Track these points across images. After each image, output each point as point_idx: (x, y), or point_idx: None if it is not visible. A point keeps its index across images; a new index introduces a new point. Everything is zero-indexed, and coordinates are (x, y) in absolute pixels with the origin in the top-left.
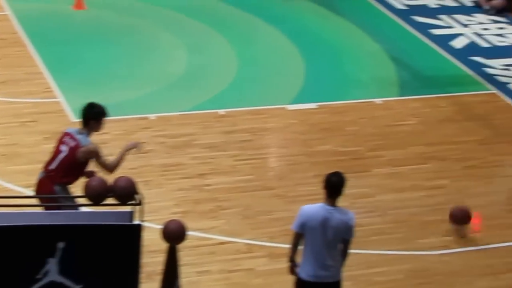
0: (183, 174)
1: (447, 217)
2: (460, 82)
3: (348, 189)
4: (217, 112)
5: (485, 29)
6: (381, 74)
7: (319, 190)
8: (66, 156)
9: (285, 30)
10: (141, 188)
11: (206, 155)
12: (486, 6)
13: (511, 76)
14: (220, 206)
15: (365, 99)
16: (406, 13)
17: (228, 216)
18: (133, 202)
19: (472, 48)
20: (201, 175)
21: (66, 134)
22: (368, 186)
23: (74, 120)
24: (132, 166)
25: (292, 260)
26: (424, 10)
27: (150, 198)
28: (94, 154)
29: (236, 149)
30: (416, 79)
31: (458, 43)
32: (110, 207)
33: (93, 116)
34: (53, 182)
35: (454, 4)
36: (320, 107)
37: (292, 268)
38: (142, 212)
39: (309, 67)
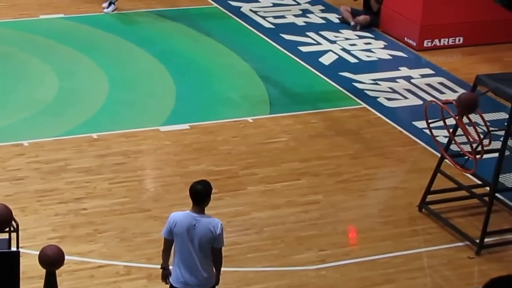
0: (59, 199)
1: (322, 231)
2: (330, 98)
3: (224, 208)
4: (90, 136)
5: (353, 44)
6: (251, 92)
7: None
8: None
9: (154, 52)
10: (17, 214)
11: (82, 179)
12: (352, 22)
13: (380, 91)
14: (97, 229)
15: (237, 118)
16: (275, 32)
17: (106, 239)
18: (9, 229)
19: (341, 64)
20: (77, 199)
21: None
22: (243, 204)
23: None
24: (7, 193)
25: (163, 267)
26: (292, 28)
27: (26, 224)
28: None
29: (111, 172)
30: (286, 97)
31: (326, 60)
32: None
33: None
34: None
35: (321, 21)
36: (192, 127)
37: (164, 275)
38: (18, 239)
39: (179, 88)
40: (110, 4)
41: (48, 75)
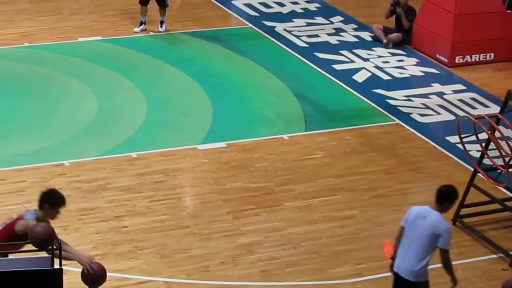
0: (100, 217)
1: (358, 246)
2: (364, 115)
3: (261, 224)
4: (130, 155)
5: (385, 62)
6: (286, 110)
7: (233, 226)
8: (8, 224)
9: (190, 73)
10: (60, 233)
11: (122, 198)
12: (384, 40)
13: (413, 107)
14: (138, 246)
15: (272, 135)
16: (309, 51)
17: (146, 256)
18: (52, 247)
19: (374, 81)
20: (118, 217)
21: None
22: (280, 220)
23: None
24: None
25: (392, 257)
26: (325, 47)
27: (68, 242)
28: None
29: (151, 190)
30: (321, 114)
31: (360, 77)
32: (30, 253)
33: (48, 201)
34: None
35: (354, 39)
36: (229, 145)
37: (391, 265)
38: (60, 257)
39: (216, 107)
40: (162, 24)
41: (88, 97)
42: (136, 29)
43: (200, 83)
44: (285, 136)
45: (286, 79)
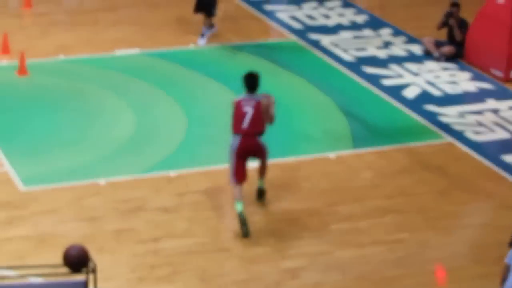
0: (137, 238)
1: (409, 271)
2: (415, 132)
3: (306, 247)
4: (168, 173)
5: (437, 76)
6: (333, 127)
7: (276, 249)
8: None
9: (232, 87)
10: (94, 255)
11: (160, 218)
12: (436, 53)
13: (466, 124)
14: (177, 270)
15: (318, 153)
16: (356, 65)
17: (186, 280)
18: (86, 270)
19: (425, 97)
20: (156, 239)
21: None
22: (326, 243)
23: (22, 189)
24: (84, 233)
25: None
26: (373, 61)
27: (104, 265)
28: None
29: (190, 210)
30: (369, 131)
31: (410, 93)
32: (64, 277)
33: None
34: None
35: (404, 53)
36: (273, 164)
37: None
38: (96, 280)
39: None
40: (203, 36)
41: (125, 112)
42: (201, 42)
43: None
44: (332, 155)
45: (332, 95)
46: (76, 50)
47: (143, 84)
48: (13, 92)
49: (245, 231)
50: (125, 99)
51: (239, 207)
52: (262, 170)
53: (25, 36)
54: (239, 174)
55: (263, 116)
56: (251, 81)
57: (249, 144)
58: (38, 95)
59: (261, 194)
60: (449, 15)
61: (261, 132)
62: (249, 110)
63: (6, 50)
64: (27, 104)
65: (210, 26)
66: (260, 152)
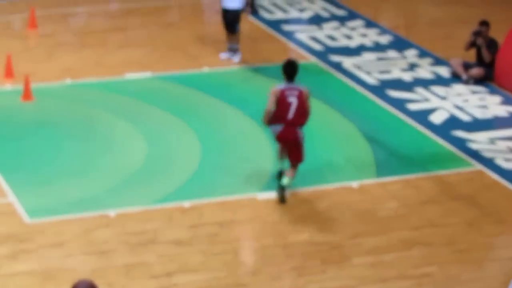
0: (149, 273)
1: None
2: (442, 160)
3: (328, 282)
4: (182, 204)
5: (465, 100)
6: (356, 155)
7: (296, 284)
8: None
9: (249, 112)
10: None
11: (173, 252)
12: (465, 76)
13: (497, 151)
14: None
15: (341, 182)
16: (380, 89)
17: None
18: None
19: (453, 122)
20: (168, 273)
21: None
22: (349, 278)
23: (27, 221)
24: (93, 267)
25: None
26: (398, 84)
27: None
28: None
29: (205, 243)
30: (394, 159)
31: (437, 118)
32: None
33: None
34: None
35: (431, 76)
36: (292, 193)
37: None
38: None
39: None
40: (235, 53)
41: (136, 139)
42: (223, 56)
43: (260, 124)
44: (355, 184)
45: (355, 120)
46: (83, 73)
47: (154, 110)
48: (17, 119)
49: (281, 197)
50: (136, 126)
51: (284, 180)
52: (295, 161)
53: (30, 58)
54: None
55: (306, 106)
56: (290, 70)
57: (289, 134)
58: (43, 121)
59: (283, 190)
60: (477, 33)
61: (303, 124)
62: (293, 101)
63: (10, 73)
64: (32, 131)
65: (237, 42)
66: (296, 145)
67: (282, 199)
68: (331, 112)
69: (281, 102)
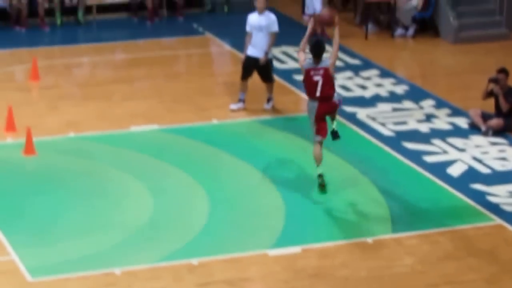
0: None
1: None
2: (461, 214)
3: None
4: (190, 262)
5: (484, 152)
6: (371, 209)
7: None
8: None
9: (259, 166)
10: None
11: None
12: (483, 127)
13: None
14: None
15: (355, 238)
16: (396, 140)
17: None
18: None
19: (472, 175)
20: None
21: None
22: None
23: (29, 280)
24: None
25: None
26: (415, 136)
27: None
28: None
29: None
30: (410, 213)
31: (455, 170)
32: None
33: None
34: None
35: (448, 127)
36: (305, 250)
37: None
38: None
39: (289, 205)
40: (269, 100)
41: (142, 194)
42: (233, 106)
43: (270, 177)
44: (369, 239)
45: (370, 173)
46: (87, 126)
47: (161, 164)
48: (19, 173)
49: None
50: (142, 180)
51: (320, 169)
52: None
53: (32, 111)
54: (323, 130)
55: (331, 80)
56: (317, 50)
57: (326, 107)
58: (46, 176)
59: (335, 135)
60: (494, 81)
61: (332, 95)
62: (319, 79)
63: (11, 127)
64: (34, 186)
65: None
66: (334, 112)
67: (322, 188)
68: (344, 165)
69: (308, 80)
